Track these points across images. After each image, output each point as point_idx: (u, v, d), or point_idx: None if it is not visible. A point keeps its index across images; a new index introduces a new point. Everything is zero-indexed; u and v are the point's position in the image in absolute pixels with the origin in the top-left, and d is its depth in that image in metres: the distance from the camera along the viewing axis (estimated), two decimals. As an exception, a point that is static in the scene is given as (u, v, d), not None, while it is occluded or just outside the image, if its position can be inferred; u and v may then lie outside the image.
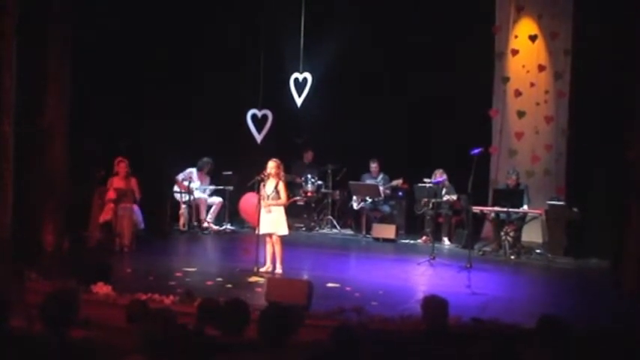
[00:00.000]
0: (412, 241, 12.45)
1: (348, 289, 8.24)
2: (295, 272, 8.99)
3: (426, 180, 12.01)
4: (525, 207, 11.24)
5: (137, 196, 10.63)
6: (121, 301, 6.72)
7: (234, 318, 4.43)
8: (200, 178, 12.68)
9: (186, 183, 12.38)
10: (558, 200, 11.68)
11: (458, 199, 11.93)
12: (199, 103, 12.70)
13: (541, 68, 12.52)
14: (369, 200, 12.76)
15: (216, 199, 12.77)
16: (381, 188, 12.58)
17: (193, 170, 12.61)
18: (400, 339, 4.95)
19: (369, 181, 12.88)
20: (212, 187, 12.77)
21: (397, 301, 7.63)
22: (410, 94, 12.97)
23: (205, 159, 12.68)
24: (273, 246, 8.97)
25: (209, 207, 12.74)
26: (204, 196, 12.68)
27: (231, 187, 12.71)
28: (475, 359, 4.14)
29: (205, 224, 12.60)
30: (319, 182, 13.37)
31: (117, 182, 10.49)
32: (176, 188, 12.49)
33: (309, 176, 13.31)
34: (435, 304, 4.67)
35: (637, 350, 4.28)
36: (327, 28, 12.74)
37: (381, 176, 12.91)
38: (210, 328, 4.68)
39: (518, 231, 11.28)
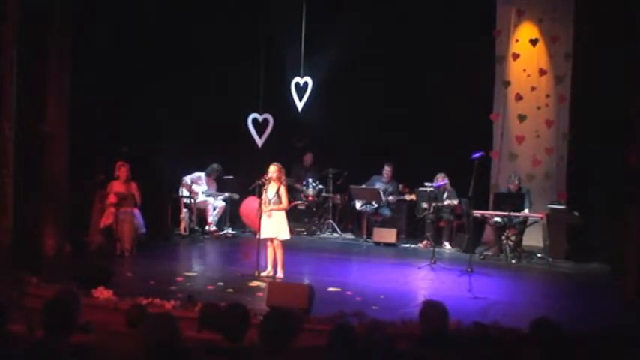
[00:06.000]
0: (413, 245, 12.42)
1: (349, 293, 8.24)
2: (296, 276, 8.98)
3: (427, 184, 11.99)
4: (526, 211, 11.24)
5: (138, 200, 10.63)
6: (121, 306, 6.72)
7: (234, 322, 4.42)
8: (207, 184, 12.68)
9: (192, 186, 12.39)
10: (559, 204, 11.68)
11: (459, 203, 11.93)
12: (200, 107, 12.70)
13: (542, 72, 12.54)
14: (375, 205, 12.74)
15: (220, 203, 12.74)
16: (390, 198, 12.53)
17: (202, 175, 12.61)
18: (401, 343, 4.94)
19: (378, 184, 12.72)
20: (219, 195, 12.71)
21: (398, 305, 7.64)
22: (411, 98, 12.98)
23: (215, 165, 12.69)
24: (274, 250, 8.96)
25: (213, 210, 12.70)
26: (210, 200, 12.65)
27: (237, 196, 12.67)
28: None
29: (212, 227, 12.55)
30: (320, 186, 13.36)
31: (117, 186, 10.49)
32: (184, 189, 12.50)
33: (309, 180, 13.30)
34: (433, 309, 4.66)
35: (630, 354, 4.29)
36: (327, 32, 12.73)
37: (391, 183, 12.79)
38: (210, 332, 4.68)
39: (519, 235, 11.28)
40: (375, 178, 12.94)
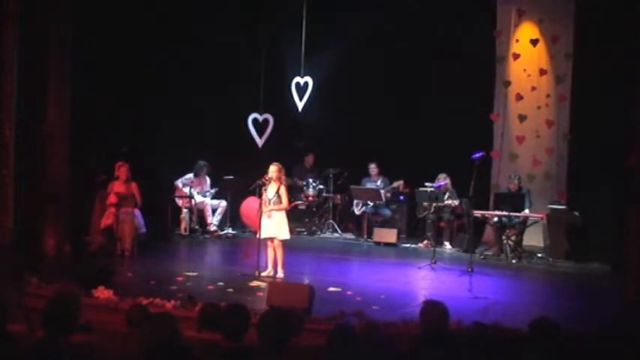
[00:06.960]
0: (413, 245, 12.42)
1: (349, 293, 8.23)
2: (296, 276, 8.98)
3: (427, 184, 12.00)
4: (527, 211, 11.23)
5: (138, 200, 10.63)
6: (122, 306, 6.71)
7: (234, 322, 4.42)
8: (199, 183, 12.63)
9: (186, 189, 12.36)
10: (559, 204, 11.68)
11: (459, 203, 11.93)
12: (200, 107, 12.70)
13: (542, 72, 12.53)
14: (371, 204, 12.76)
15: (222, 203, 12.72)
16: (382, 192, 12.59)
17: (192, 176, 12.57)
18: (401, 343, 4.94)
19: (369, 185, 12.88)
20: (213, 191, 12.70)
21: (398, 305, 7.64)
22: (411, 99, 12.98)
23: (201, 163, 12.57)
24: (274, 250, 8.96)
25: (213, 210, 12.69)
26: (207, 199, 12.64)
27: (232, 191, 12.67)
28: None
29: (212, 227, 12.52)
30: (320, 186, 13.37)
31: (118, 186, 10.50)
32: (176, 193, 12.49)
33: (310, 180, 13.31)
34: (433, 309, 4.66)
35: (630, 354, 4.29)
36: (327, 32, 12.74)
37: (380, 179, 12.92)
38: (211, 332, 4.68)
39: (520, 235, 11.27)
40: (365, 180, 13.05)
